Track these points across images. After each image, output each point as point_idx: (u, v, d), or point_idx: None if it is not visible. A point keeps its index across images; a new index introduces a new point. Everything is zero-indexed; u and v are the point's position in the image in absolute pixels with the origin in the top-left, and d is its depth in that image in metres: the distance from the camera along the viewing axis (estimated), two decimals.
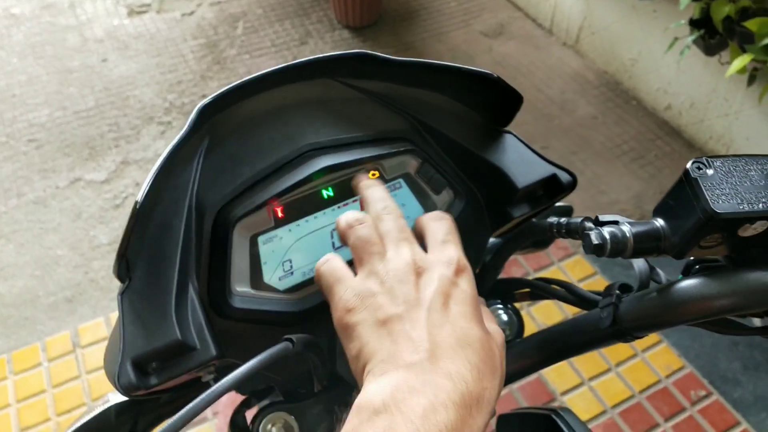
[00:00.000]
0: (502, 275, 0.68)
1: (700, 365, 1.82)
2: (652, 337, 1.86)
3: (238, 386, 0.42)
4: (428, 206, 0.56)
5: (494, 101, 0.57)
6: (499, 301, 0.62)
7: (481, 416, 0.36)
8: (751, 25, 1.82)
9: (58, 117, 2.58)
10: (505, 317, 0.60)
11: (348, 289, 0.42)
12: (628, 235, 0.44)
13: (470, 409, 0.35)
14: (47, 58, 2.86)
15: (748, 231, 0.42)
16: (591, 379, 1.78)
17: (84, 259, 2.09)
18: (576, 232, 0.52)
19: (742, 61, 1.86)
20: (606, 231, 0.44)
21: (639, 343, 1.84)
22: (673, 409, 1.73)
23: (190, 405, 0.39)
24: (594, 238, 0.44)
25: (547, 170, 0.57)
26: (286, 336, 0.46)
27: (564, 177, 0.57)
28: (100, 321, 1.91)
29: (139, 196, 0.45)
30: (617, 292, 0.50)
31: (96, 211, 2.23)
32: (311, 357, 0.49)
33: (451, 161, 0.58)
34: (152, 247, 0.47)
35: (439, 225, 0.47)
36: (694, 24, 2.13)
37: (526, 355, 0.55)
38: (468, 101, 0.58)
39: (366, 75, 0.55)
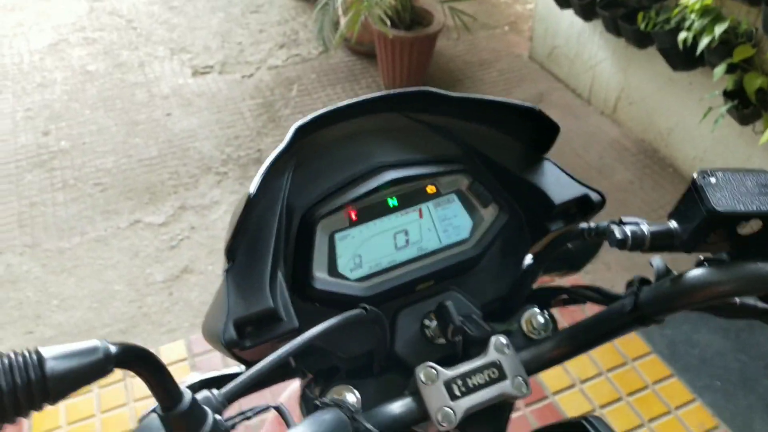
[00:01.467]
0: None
1: (735, 425, 1.82)
2: (686, 396, 1.88)
3: (318, 339, 0.51)
4: (476, 218, 0.66)
5: (535, 131, 0.67)
6: (536, 306, 0.68)
7: None
8: None
9: (123, 164, 2.78)
10: (541, 320, 0.66)
11: None
12: (646, 232, 0.54)
13: None
14: (116, 111, 3.09)
15: (746, 228, 0.52)
16: None
17: (139, 295, 2.21)
18: (604, 233, 0.60)
19: None
20: (628, 229, 0.54)
21: (673, 401, 1.86)
22: None
23: (277, 352, 0.49)
24: (617, 233, 0.54)
25: (580, 190, 0.66)
26: (361, 304, 0.55)
27: (594, 197, 0.66)
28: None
29: (251, 189, 0.56)
30: (638, 284, 0.59)
31: (153, 251, 2.38)
32: (377, 330, 0.58)
33: (497, 181, 0.67)
34: (252, 237, 0.57)
35: None
36: (728, 95, 2.23)
37: (560, 344, 0.62)
38: (512, 131, 0.69)
39: (426, 110, 0.66)
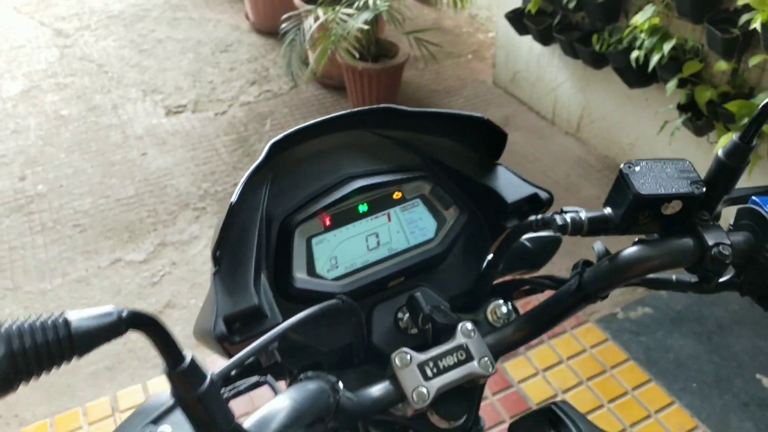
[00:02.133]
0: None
1: (713, 424, 1.89)
2: (664, 399, 1.95)
3: (296, 328, 0.56)
4: (439, 219, 0.73)
5: (486, 139, 0.75)
6: (499, 298, 0.74)
7: None
8: (732, 107, 2.02)
9: (100, 204, 2.80)
10: (505, 309, 0.72)
11: None
12: (584, 218, 0.61)
13: None
14: (92, 153, 3.12)
15: (669, 209, 0.60)
16: None
17: None
18: (548, 222, 0.66)
19: (728, 138, 2.05)
20: (568, 216, 0.62)
21: (652, 405, 1.93)
22: None
23: (256, 342, 0.54)
24: (559, 221, 0.62)
25: (530, 190, 0.74)
26: (338, 296, 0.62)
27: (543, 195, 0.74)
28: (138, 387, 2.03)
29: (233, 198, 0.62)
30: (581, 266, 0.66)
31: (135, 288, 2.40)
32: (354, 321, 0.64)
33: (457, 186, 0.75)
34: (236, 243, 0.63)
35: None
36: (681, 108, 2.35)
37: (520, 328, 0.68)
38: (466, 141, 0.76)
39: (389, 125, 0.73)
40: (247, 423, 0.48)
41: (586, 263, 0.66)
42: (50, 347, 0.36)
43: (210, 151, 3.14)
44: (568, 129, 3.17)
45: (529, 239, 0.79)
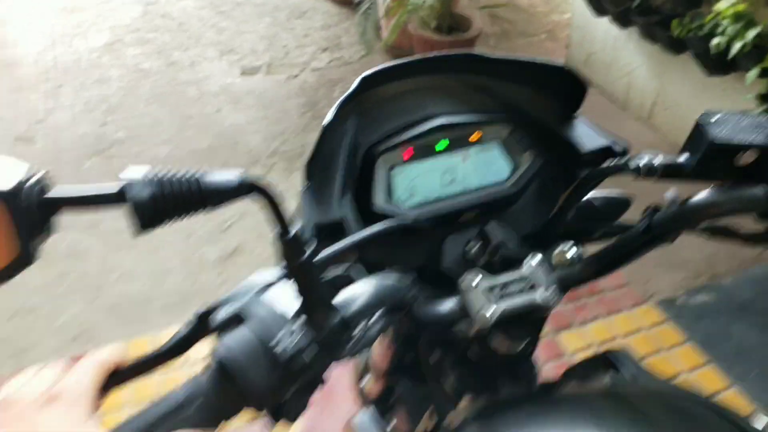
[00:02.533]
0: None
1: None
2: (721, 382, 1.94)
3: (374, 243, 0.62)
4: (514, 163, 0.77)
5: (566, 90, 0.77)
6: (569, 243, 0.75)
7: None
8: None
9: (176, 154, 2.93)
10: (571, 254, 0.73)
11: None
12: (658, 162, 0.63)
13: None
14: (169, 105, 3.26)
15: (743, 159, 0.62)
16: None
17: (192, 272, 2.35)
18: (624, 166, 0.68)
19: None
20: (643, 159, 0.64)
21: (707, 387, 1.93)
22: None
23: (347, 239, 0.60)
24: (635, 162, 0.64)
25: (605, 141, 0.76)
26: (416, 216, 0.67)
27: (618, 147, 0.76)
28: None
29: (326, 120, 0.67)
30: (651, 210, 0.68)
31: (205, 233, 2.51)
32: (425, 243, 0.69)
33: (533, 133, 0.78)
34: (325, 165, 0.70)
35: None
36: (762, 98, 2.31)
37: (587, 266, 0.70)
38: (547, 91, 0.79)
39: (472, 71, 0.77)
40: (334, 300, 0.52)
41: (656, 208, 0.67)
42: (185, 196, 0.42)
43: (281, 112, 3.23)
44: (640, 114, 3.14)
45: (597, 198, 0.81)
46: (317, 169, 0.69)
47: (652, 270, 2.34)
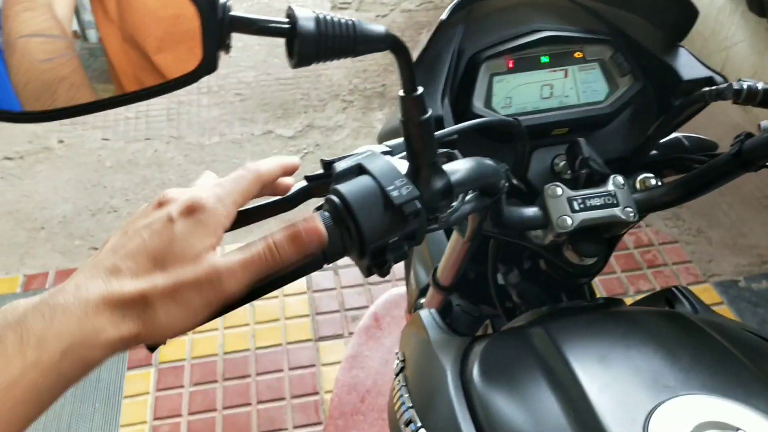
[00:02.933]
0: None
1: None
2: None
3: (478, 128, 0.66)
4: (612, 85, 0.78)
5: (673, 18, 0.78)
6: (651, 174, 0.77)
7: (131, 320, 0.41)
8: None
9: (262, 80, 3.03)
10: (653, 182, 0.75)
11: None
12: (760, 88, 0.63)
13: (117, 307, 0.40)
14: None
15: None
16: None
17: None
18: (723, 93, 0.66)
19: None
20: (745, 84, 0.64)
21: None
22: None
23: (452, 127, 0.64)
24: (735, 86, 0.64)
25: (706, 72, 0.76)
26: (513, 116, 0.70)
27: (719, 80, 0.76)
28: None
29: (443, 16, 0.71)
30: (744, 136, 0.67)
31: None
32: (518, 146, 0.71)
33: (635, 57, 0.79)
34: (431, 65, 0.73)
35: (232, 173, 0.51)
36: None
37: (671, 191, 0.72)
38: (653, 18, 0.80)
39: None
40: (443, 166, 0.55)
41: (749, 134, 0.67)
42: (342, 38, 0.45)
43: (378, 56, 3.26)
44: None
45: (687, 137, 0.82)
46: (422, 70, 0.72)
47: (718, 251, 2.29)
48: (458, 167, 0.56)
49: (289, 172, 0.55)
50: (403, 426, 0.67)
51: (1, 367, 0.36)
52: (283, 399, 1.79)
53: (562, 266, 0.76)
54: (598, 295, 0.87)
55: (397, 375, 0.78)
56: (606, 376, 0.58)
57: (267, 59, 3.16)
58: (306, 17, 0.46)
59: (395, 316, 1.97)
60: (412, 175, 0.53)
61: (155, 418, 1.76)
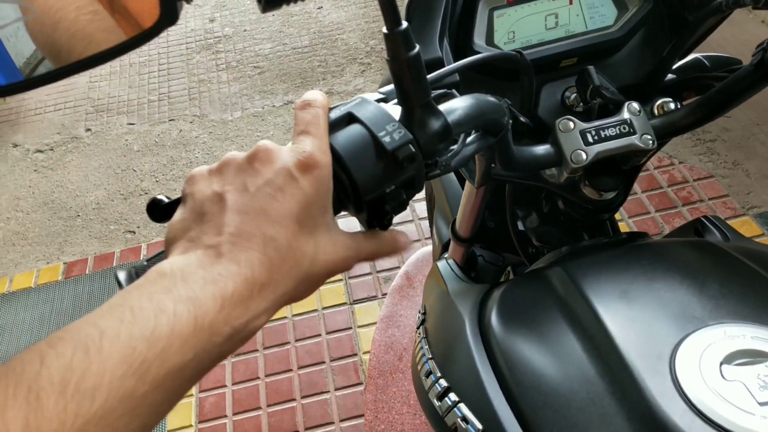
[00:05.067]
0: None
1: None
2: None
3: (477, 65, 0.61)
4: (621, 7, 0.74)
5: None
6: (670, 98, 0.73)
7: (263, 301, 0.39)
8: None
9: (278, 51, 3.02)
10: (672, 106, 0.72)
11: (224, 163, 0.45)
12: None
13: (251, 291, 0.38)
14: None
15: None
16: None
17: None
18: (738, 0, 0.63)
19: None
20: None
21: None
22: None
23: (450, 66, 0.59)
24: None
25: None
26: (516, 50, 0.66)
27: None
28: None
29: None
30: (766, 44, 0.62)
31: None
32: (525, 81, 0.67)
33: None
34: (425, 5, 0.69)
35: (302, 114, 0.46)
36: None
37: (690, 113, 0.68)
38: None
39: None
40: (439, 106, 0.52)
41: None
42: None
43: (378, 10, 3.20)
44: (766, 18, 2.88)
45: (707, 56, 0.78)
46: (417, 9, 0.68)
47: (757, 182, 2.22)
48: (455, 106, 0.53)
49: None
50: (423, 377, 0.66)
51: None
52: (322, 363, 1.82)
53: (580, 204, 0.74)
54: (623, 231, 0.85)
55: (418, 328, 0.77)
56: (629, 312, 0.56)
57: (282, 29, 3.14)
58: None
59: (426, 274, 1.98)
60: (406, 118, 0.49)
61: (201, 391, 1.81)
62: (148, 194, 2.38)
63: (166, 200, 0.50)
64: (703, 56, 0.79)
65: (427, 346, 0.70)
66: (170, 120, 2.71)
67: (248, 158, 0.43)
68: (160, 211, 0.50)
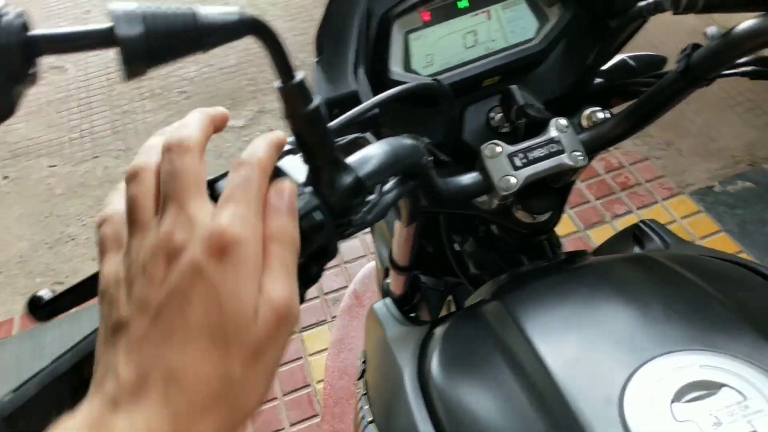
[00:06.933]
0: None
1: None
2: None
3: (391, 100, 0.55)
4: (542, 18, 0.70)
5: None
6: (599, 107, 0.71)
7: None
8: None
9: (204, 72, 2.92)
10: (601, 116, 0.69)
11: (103, 272, 0.36)
12: None
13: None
14: None
15: None
16: None
17: None
18: (660, 4, 0.59)
19: None
20: None
21: None
22: None
23: (360, 106, 0.54)
24: None
25: None
26: (433, 78, 0.62)
27: None
28: None
29: None
30: (690, 48, 0.60)
31: (235, 151, 2.53)
32: (446, 107, 0.62)
33: None
34: (337, 36, 0.64)
35: (233, 176, 0.38)
36: None
37: (618, 123, 0.65)
38: None
39: None
40: (347, 160, 0.47)
41: (696, 45, 0.60)
42: (179, 34, 0.35)
43: (307, 21, 3.15)
44: None
45: (632, 57, 0.75)
46: (329, 41, 0.65)
47: (689, 160, 2.24)
48: (367, 156, 0.47)
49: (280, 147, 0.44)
50: None
51: None
52: (275, 399, 1.74)
53: (515, 229, 0.71)
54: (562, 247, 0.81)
55: (358, 379, 0.73)
56: (572, 349, 0.53)
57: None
58: (127, 15, 0.36)
59: (376, 290, 1.92)
60: (312, 178, 0.44)
61: None
62: (76, 240, 2.26)
63: (50, 295, 0.44)
64: (628, 57, 0.76)
65: (367, 405, 0.67)
66: (94, 157, 2.59)
67: (157, 245, 0.33)
68: (43, 309, 0.44)
